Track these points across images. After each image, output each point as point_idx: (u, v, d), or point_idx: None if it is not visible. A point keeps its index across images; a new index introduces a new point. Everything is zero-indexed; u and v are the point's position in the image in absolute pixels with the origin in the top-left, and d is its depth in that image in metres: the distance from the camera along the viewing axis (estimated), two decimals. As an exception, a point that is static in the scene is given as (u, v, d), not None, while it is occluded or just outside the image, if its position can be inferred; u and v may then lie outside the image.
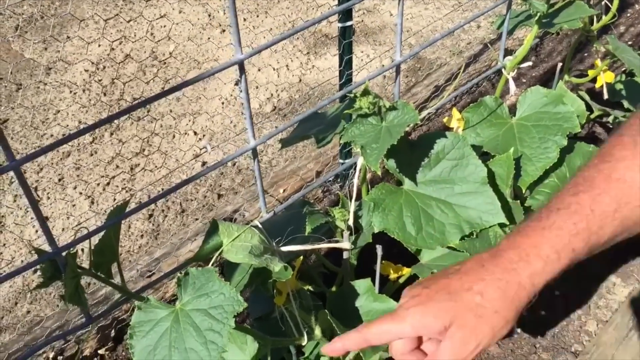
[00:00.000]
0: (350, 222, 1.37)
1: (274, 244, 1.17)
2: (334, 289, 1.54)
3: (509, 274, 0.77)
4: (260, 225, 1.16)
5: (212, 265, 1.08)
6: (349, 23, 1.81)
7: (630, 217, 0.77)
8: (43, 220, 0.89)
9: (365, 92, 1.25)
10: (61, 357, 1.74)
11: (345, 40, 1.83)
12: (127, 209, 1.12)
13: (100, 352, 1.80)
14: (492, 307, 0.76)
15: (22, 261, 2.26)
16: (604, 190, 0.78)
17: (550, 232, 0.78)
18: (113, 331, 1.82)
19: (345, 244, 1.35)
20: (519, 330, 1.76)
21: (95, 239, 1.10)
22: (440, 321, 0.77)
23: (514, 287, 0.76)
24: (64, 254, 0.97)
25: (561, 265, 0.77)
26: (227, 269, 1.25)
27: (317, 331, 1.24)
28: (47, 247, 0.99)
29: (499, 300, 0.76)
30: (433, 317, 0.77)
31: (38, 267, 0.98)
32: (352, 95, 1.28)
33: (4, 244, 2.34)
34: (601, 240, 0.78)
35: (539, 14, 1.56)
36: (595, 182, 0.79)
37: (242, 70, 1.08)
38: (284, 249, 1.19)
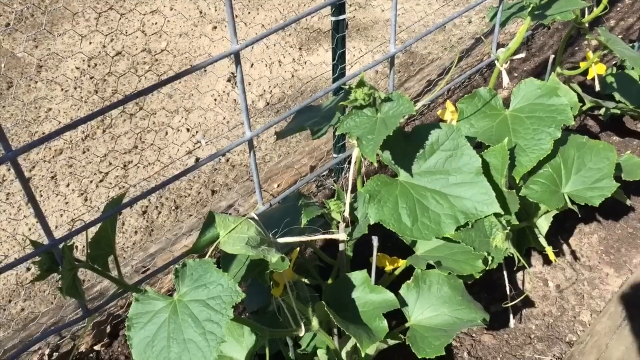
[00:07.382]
0: (346, 214, 1.37)
1: (270, 235, 1.18)
2: (330, 281, 1.54)
3: None
4: (256, 217, 1.16)
5: (209, 257, 1.08)
6: (341, 17, 1.81)
7: None
8: (40, 211, 0.88)
9: (361, 84, 1.25)
10: (57, 353, 1.73)
11: (339, 34, 1.83)
12: (123, 202, 1.12)
13: (95, 348, 1.80)
14: None
15: (15, 258, 2.25)
16: None
17: None
18: (109, 327, 1.81)
19: (341, 235, 1.35)
20: (514, 321, 1.76)
21: (91, 233, 1.10)
22: None
23: None
24: (60, 246, 0.97)
25: None
26: (223, 261, 1.25)
27: (315, 322, 1.25)
28: (42, 241, 0.98)
29: None
30: None
31: (31, 261, 0.97)
32: (347, 86, 1.28)
33: (-3, 242, 2.32)
34: None
35: (531, 6, 1.57)
36: None
37: (237, 60, 1.07)
38: (281, 240, 1.19)
